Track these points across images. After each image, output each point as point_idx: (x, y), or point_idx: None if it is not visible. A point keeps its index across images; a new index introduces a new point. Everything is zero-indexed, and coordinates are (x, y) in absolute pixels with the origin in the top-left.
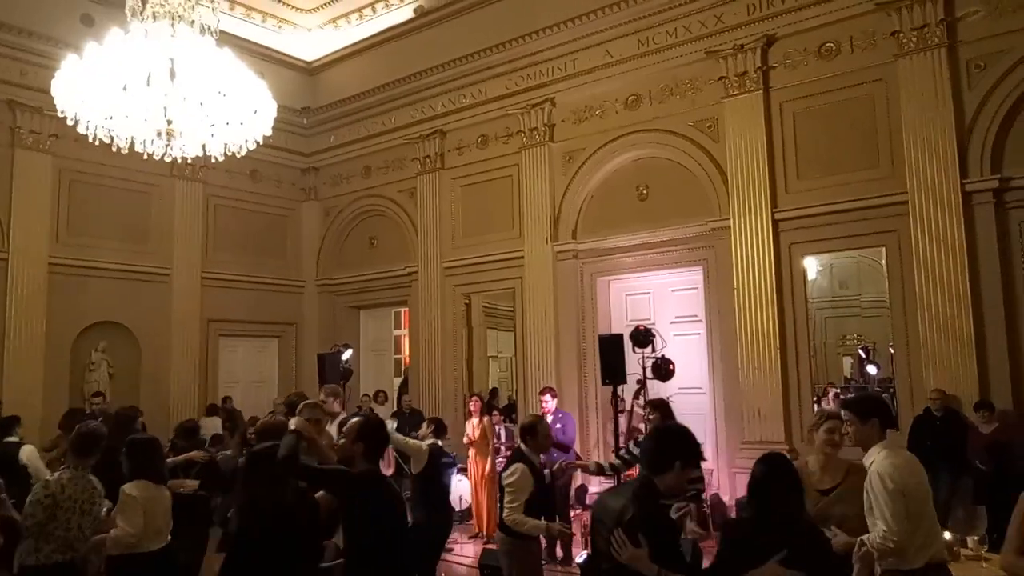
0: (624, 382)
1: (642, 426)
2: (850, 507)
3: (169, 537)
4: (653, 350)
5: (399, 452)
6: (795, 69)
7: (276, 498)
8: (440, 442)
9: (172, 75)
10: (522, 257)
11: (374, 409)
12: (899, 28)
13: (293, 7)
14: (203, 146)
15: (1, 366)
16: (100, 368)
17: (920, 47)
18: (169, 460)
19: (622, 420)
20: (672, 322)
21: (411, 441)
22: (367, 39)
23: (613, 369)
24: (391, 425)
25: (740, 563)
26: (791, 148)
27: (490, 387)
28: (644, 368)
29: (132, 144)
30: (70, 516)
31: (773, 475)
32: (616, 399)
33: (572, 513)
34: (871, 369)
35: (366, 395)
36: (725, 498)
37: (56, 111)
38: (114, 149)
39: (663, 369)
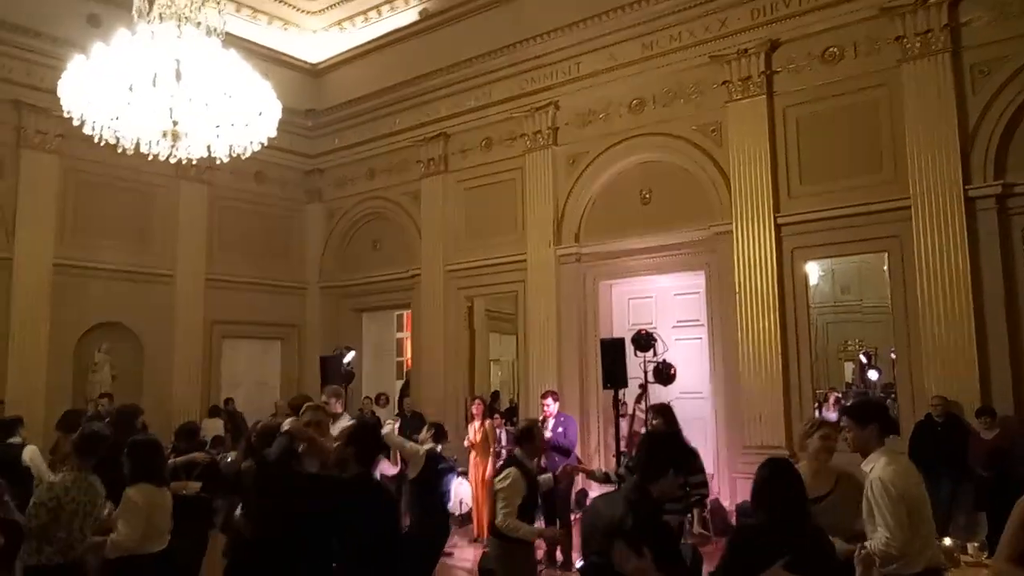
0: (625, 386)
1: (643, 430)
2: (843, 515)
3: (168, 538)
4: (655, 354)
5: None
6: (799, 74)
7: (288, 506)
8: (440, 448)
9: (178, 76)
10: (525, 260)
11: (376, 412)
12: (903, 33)
13: (298, 9)
14: (208, 147)
15: (4, 366)
16: (103, 369)
17: (924, 52)
18: (171, 461)
19: (624, 424)
20: (674, 326)
21: (409, 445)
22: (372, 41)
23: (614, 373)
24: (394, 426)
25: (745, 568)
26: (794, 153)
27: (492, 390)
28: (645, 372)
29: (138, 145)
30: (73, 518)
31: (777, 480)
32: (617, 403)
33: (573, 517)
34: (872, 374)
35: (367, 397)
36: (726, 503)
37: (62, 111)
38: (120, 150)
39: (664, 373)
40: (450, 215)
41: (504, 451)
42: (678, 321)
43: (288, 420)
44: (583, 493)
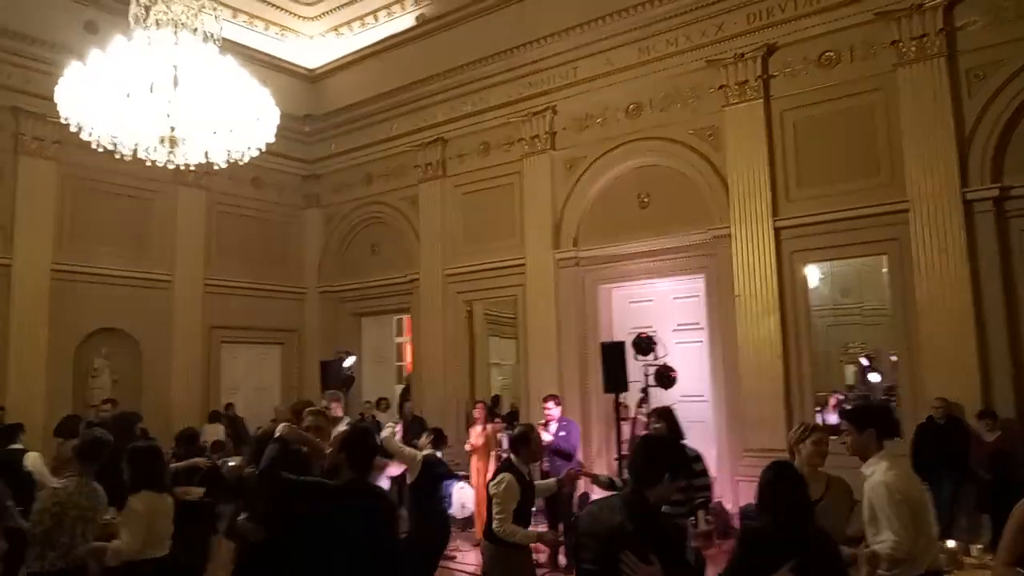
0: (626, 390)
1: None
2: (835, 519)
3: (170, 544)
4: (655, 358)
5: None
6: (795, 78)
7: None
8: (440, 453)
9: (175, 82)
10: (524, 265)
11: (376, 416)
12: (899, 38)
13: (295, 15)
14: (206, 153)
15: (4, 373)
16: (103, 374)
17: (920, 56)
18: (173, 466)
19: (626, 428)
20: (674, 330)
21: (407, 450)
22: (369, 47)
23: (615, 377)
24: (394, 429)
25: (751, 571)
26: (792, 156)
27: (492, 395)
28: (646, 376)
29: (135, 151)
30: (76, 523)
31: (781, 483)
32: (618, 407)
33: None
34: (873, 377)
35: (368, 402)
36: (728, 506)
37: (60, 118)
38: (117, 156)
39: (665, 377)
40: (448, 219)
41: (504, 455)
42: (678, 324)
43: (281, 426)
44: (586, 497)
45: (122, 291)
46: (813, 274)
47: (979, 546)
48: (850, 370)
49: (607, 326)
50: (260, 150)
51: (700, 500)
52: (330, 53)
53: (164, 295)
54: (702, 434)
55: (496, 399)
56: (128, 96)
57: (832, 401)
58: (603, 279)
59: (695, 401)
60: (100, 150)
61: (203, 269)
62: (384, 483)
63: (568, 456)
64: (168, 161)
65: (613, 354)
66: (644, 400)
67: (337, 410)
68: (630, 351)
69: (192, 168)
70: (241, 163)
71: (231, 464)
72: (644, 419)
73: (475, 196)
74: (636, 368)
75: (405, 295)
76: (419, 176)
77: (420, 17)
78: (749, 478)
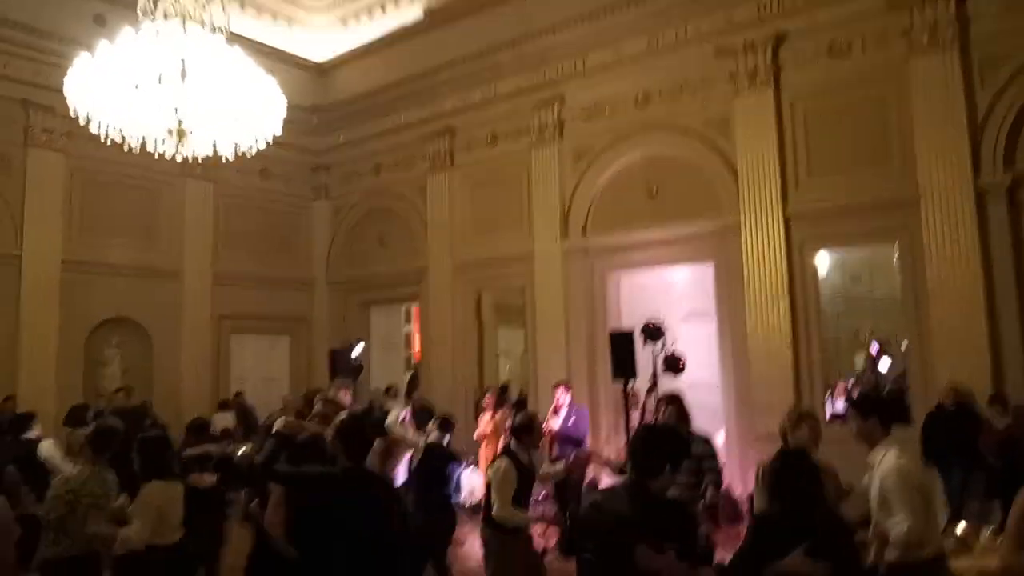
0: (635, 377)
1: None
2: None
3: (182, 531)
4: (664, 345)
5: None
6: (806, 67)
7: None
8: (447, 439)
9: (183, 74)
10: (532, 253)
11: (385, 404)
12: (911, 27)
13: (302, 7)
14: (214, 145)
15: (15, 363)
16: (113, 364)
17: (932, 46)
18: (184, 453)
19: (635, 415)
20: (683, 318)
21: (409, 437)
22: (377, 38)
23: (624, 365)
24: (398, 415)
25: (765, 555)
26: (802, 145)
27: (501, 383)
28: (655, 363)
29: (144, 143)
30: (88, 511)
31: (792, 468)
32: (627, 394)
33: None
34: (884, 364)
35: (377, 389)
36: (737, 492)
37: (69, 110)
38: (126, 148)
39: (674, 364)
40: (457, 209)
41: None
42: (688, 312)
43: (278, 420)
44: (594, 484)
45: (132, 282)
46: (823, 261)
47: (989, 530)
48: (860, 357)
49: (616, 314)
50: (268, 141)
51: (710, 480)
52: (338, 44)
53: (173, 286)
54: (711, 421)
55: (505, 387)
56: (136, 88)
57: (839, 387)
58: (612, 267)
59: (704, 389)
60: (109, 142)
61: (212, 260)
62: (402, 471)
63: (578, 443)
64: (176, 153)
65: (622, 342)
66: (653, 388)
67: (346, 398)
68: (639, 339)
69: (200, 160)
70: (249, 155)
71: (241, 452)
72: (653, 406)
73: (483, 186)
74: (645, 356)
75: (413, 284)
76: (427, 166)
77: (427, 8)
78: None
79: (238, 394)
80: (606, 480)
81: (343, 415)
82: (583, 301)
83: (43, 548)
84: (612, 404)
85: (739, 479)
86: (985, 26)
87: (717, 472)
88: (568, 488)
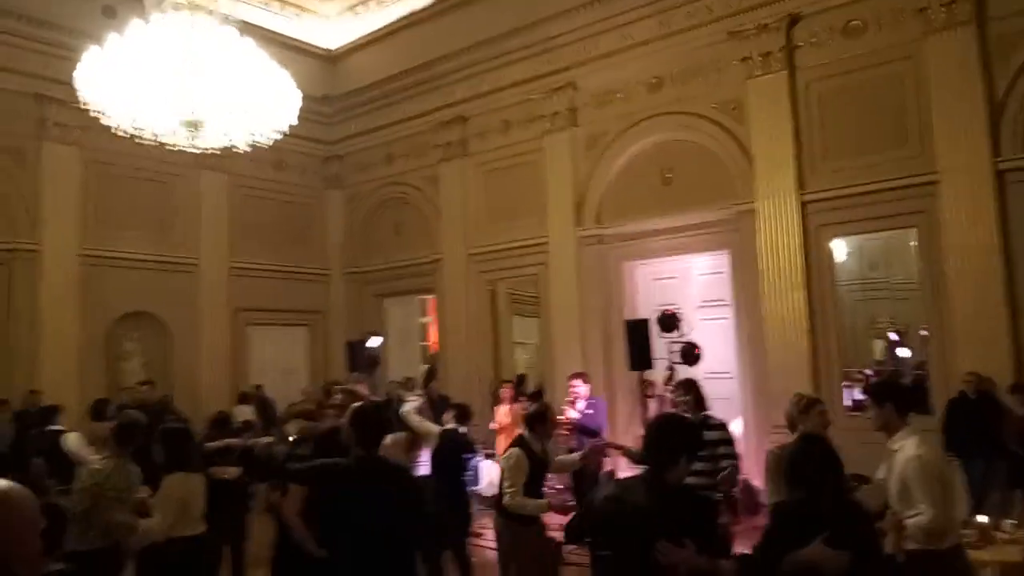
0: (651, 367)
1: (672, 411)
2: None
3: (203, 522)
4: (680, 334)
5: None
6: (820, 48)
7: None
8: (463, 428)
9: (195, 66)
10: (547, 243)
11: (402, 395)
12: (927, 5)
13: None
14: (227, 136)
15: (37, 357)
16: (134, 358)
17: (949, 23)
18: (207, 446)
19: (653, 405)
20: (699, 307)
21: (426, 424)
22: (387, 26)
23: (640, 354)
24: (416, 404)
25: (785, 545)
26: (818, 128)
27: (517, 373)
28: (671, 353)
29: (157, 135)
30: (112, 503)
31: (812, 456)
32: (643, 385)
33: None
34: (902, 352)
35: (393, 381)
36: (755, 483)
37: (81, 103)
38: (139, 141)
39: (690, 354)
40: (470, 199)
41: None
42: (703, 301)
43: (291, 424)
44: (611, 474)
45: (149, 275)
46: (840, 248)
47: (1011, 521)
48: (879, 345)
49: (631, 303)
50: (282, 132)
51: (726, 469)
52: (348, 33)
53: (190, 278)
54: (728, 411)
55: (521, 378)
56: (147, 81)
57: (857, 376)
58: (626, 256)
59: (721, 378)
60: (122, 135)
61: (227, 252)
62: (426, 460)
63: (594, 434)
64: (191, 145)
65: (638, 332)
66: (671, 378)
67: (362, 390)
68: (655, 328)
69: (214, 152)
70: (262, 146)
71: (262, 442)
72: (670, 396)
73: (496, 174)
74: (660, 345)
75: (429, 275)
76: (440, 155)
77: None
78: None
79: (258, 387)
80: (623, 470)
81: (357, 405)
82: (598, 290)
83: (70, 540)
84: (629, 394)
85: (757, 470)
86: (1003, 2)
87: (734, 457)
88: (585, 479)
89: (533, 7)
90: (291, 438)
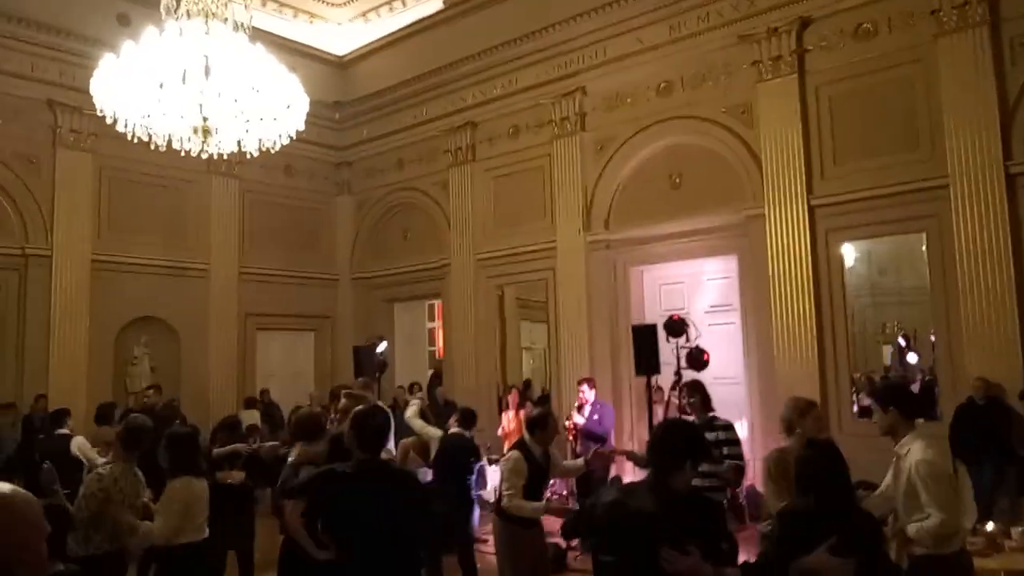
0: (658, 372)
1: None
2: None
3: (207, 528)
4: (687, 340)
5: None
6: (831, 51)
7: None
8: (468, 433)
9: (207, 72)
10: (554, 248)
11: (409, 400)
12: (939, 7)
13: (324, 2)
14: (238, 142)
15: (46, 361)
16: (143, 362)
17: (961, 25)
18: (215, 451)
19: (660, 410)
20: (706, 311)
21: (428, 428)
22: (397, 32)
23: (647, 359)
24: (419, 407)
25: (791, 552)
26: (828, 132)
27: (524, 379)
28: (678, 358)
29: (169, 141)
30: (119, 508)
31: (820, 462)
32: (650, 390)
33: None
34: (911, 358)
35: (400, 386)
36: (762, 488)
37: (95, 110)
38: (152, 147)
39: (697, 359)
40: (479, 204)
41: None
42: (711, 306)
43: (295, 449)
44: (617, 480)
45: (160, 280)
46: (849, 253)
47: (1020, 528)
48: (888, 350)
49: (638, 308)
50: (291, 138)
51: (732, 465)
52: (359, 39)
53: (200, 283)
54: (735, 416)
55: (527, 384)
56: (161, 87)
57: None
58: (634, 261)
59: (728, 383)
60: (135, 141)
61: (237, 257)
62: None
63: (601, 439)
64: (202, 151)
65: (645, 337)
66: (678, 383)
67: (368, 395)
68: (662, 333)
69: (225, 157)
70: (273, 151)
71: (268, 445)
72: (676, 401)
73: (505, 180)
74: (668, 350)
75: (437, 280)
76: (449, 160)
77: (447, 0)
78: None
79: (264, 392)
80: (629, 475)
81: (357, 408)
82: (606, 295)
83: (75, 546)
84: (636, 399)
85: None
86: (1016, 3)
87: (740, 457)
88: (591, 484)
89: (543, 12)
90: (289, 459)
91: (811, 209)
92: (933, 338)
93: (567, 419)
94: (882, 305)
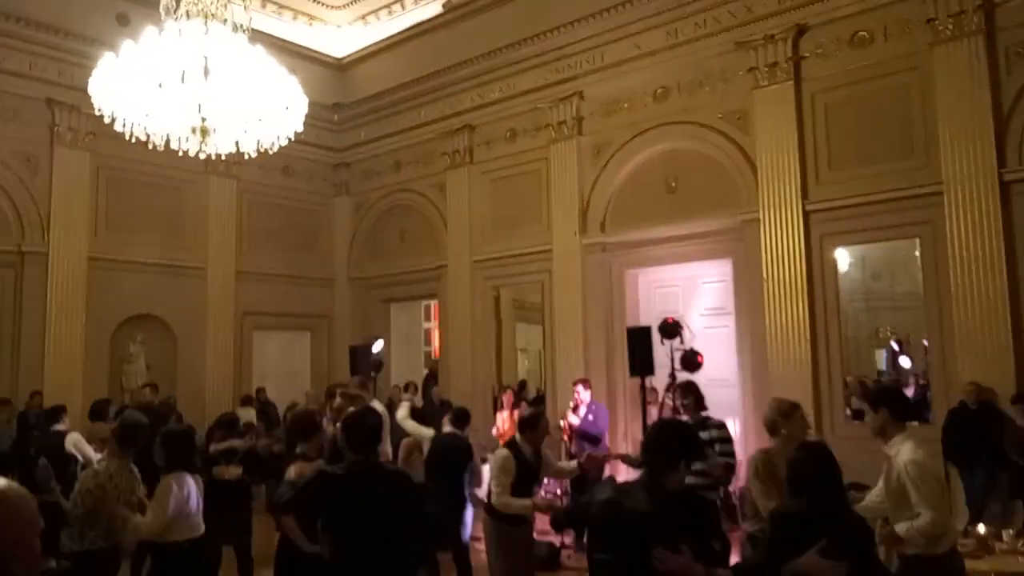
0: (652, 374)
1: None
2: None
3: (202, 524)
4: (682, 342)
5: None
6: (827, 59)
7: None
8: (462, 432)
9: (206, 73)
10: (551, 250)
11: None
12: (935, 15)
13: (323, 4)
14: (236, 142)
15: (42, 359)
16: (139, 360)
17: (957, 34)
18: (212, 447)
19: (654, 412)
20: (701, 315)
21: (421, 428)
22: (396, 35)
23: (641, 361)
24: (408, 408)
25: (782, 554)
26: (823, 139)
27: (519, 380)
28: (672, 360)
29: (168, 141)
30: (114, 504)
31: (813, 465)
32: (644, 391)
33: None
34: (904, 362)
35: (396, 386)
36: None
37: (93, 109)
38: (150, 146)
39: (692, 361)
40: (476, 206)
41: None
42: (705, 309)
43: (293, 467)
44: (611, 481)
45: (156, 279)
46: (843, 258)
47: (1011, 531)
48: (881, 355)
49: (633, 311)
50: (289, 139)
51: (724, 462)
52: (358, 41)
53: (197, 282)
54: (729, 419)
55: (523, 384)
56: (160, 87)
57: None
58: (630, 264)
59: (722, 385)
60: (133, 141)
61: (235, 257)
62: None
63: (595, 440)
64: (200, 151)
65: (639, 339)
66: (672, 384)
67: (364, 394)
68: (656, 336)
69: (223, 157)
70: (271, 152)
71: (263, 442)
72: (670, 402)
73: (502, 183)
74: (662, 352)
75: (433, 281)
76: (447, 163)
77: (447, 4)
78: None
79: (260, 391)
80: (623, 475)
81: (350, 410)
82: (601, 298)
83: (69, 542)
84: (630, 400)
85: None
86: (1011, 13)
87: (732, 455)
88: (586, 485)
89: (542, 17)
90: (287, 476)
91: (806, 214)
92: (926, 343)
93: (562, 419)
94: (875, 310)
